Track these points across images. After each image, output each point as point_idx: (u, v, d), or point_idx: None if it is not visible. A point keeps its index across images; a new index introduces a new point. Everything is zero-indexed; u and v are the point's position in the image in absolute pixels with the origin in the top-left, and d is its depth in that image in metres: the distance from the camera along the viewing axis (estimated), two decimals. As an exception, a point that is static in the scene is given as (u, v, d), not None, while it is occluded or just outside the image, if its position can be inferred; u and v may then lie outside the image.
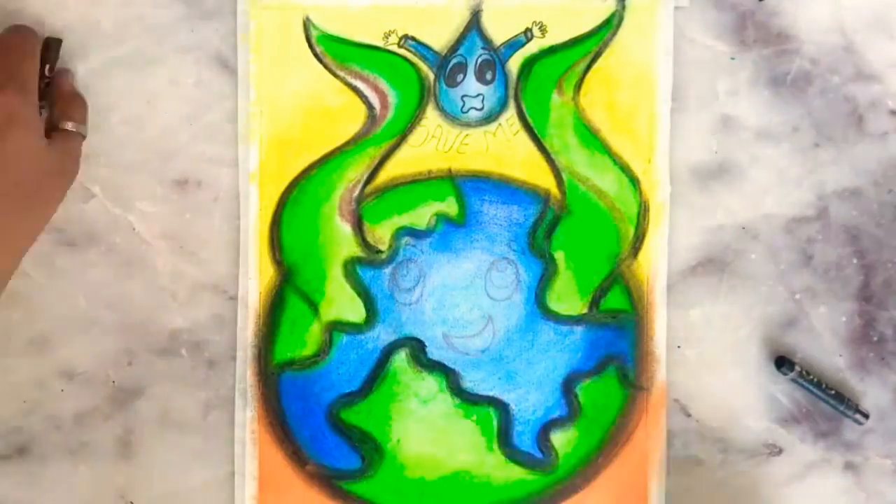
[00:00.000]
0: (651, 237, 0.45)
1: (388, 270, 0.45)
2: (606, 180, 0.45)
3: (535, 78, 0.45)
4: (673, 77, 0.45)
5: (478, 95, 0.45)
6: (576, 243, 0.45)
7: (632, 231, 0.45)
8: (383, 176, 0.45)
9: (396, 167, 0.45)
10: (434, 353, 0.45)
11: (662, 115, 0.45)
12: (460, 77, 0.45)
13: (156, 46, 0.44)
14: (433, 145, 0.45)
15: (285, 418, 0.45)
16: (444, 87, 0.45)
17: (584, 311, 0.45)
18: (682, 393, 0.46)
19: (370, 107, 0.45)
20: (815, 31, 0.45)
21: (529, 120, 0.45)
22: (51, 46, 0.43)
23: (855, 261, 0.46)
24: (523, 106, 0.45)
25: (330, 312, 0.45)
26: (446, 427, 0.45)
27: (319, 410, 0.45)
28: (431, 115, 0.45)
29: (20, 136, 0.39)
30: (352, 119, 0.45)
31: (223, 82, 0.45)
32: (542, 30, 0.45)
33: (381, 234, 0.45)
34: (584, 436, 0.45)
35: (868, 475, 0.46)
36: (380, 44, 0.45)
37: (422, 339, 0.45)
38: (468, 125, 0.45)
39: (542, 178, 0.45)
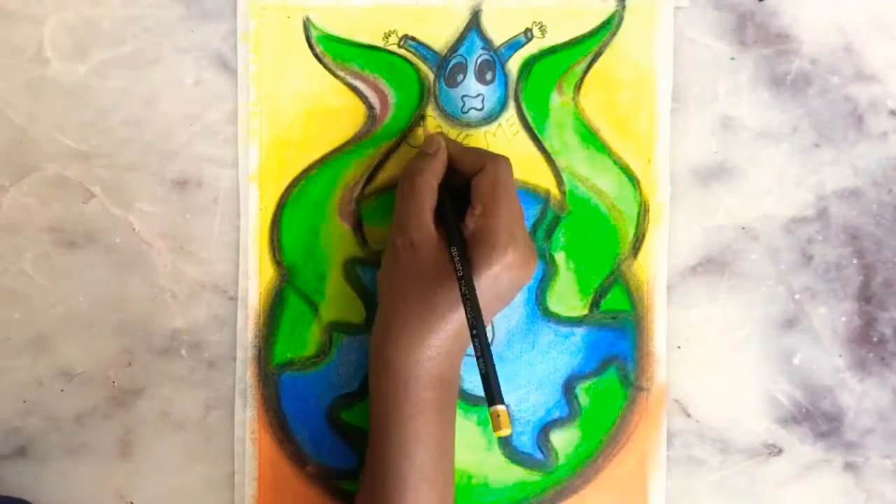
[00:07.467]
0: (651, 237, 0.45)
1: (388, 270, 0.45)
2: (606, 180, 0.45)
3: (535, 78, 0.45)
4: (673, 77, 0.45)
5: (478, 96, 0.45)
6: (576, 244, 0.45)
7: (632, 231, 0.45)
8: (383, 176, 0.45)
9: (396, 167, 0.45)
10: (434, 353, 0.45)
11: (662, 115, 0.45)
12: (460, 77, 0.45)
13: (156, 46, 0.44)
14: (433, 145, 0.45)
15: (285, 418, 0.45)
16: (444, 87, 0.45)
17: (585, 312, 0.45)
18: (682, 393, 0.46)
19: (370, 107, 0.45)
20: (815, 31, 0.45)
21: (529, 120, 0.45)
22: None
23: (855, 261, 0.46)
24: (523, 106, 0.45)
25: (330, 313, 0.45)
26: (446, 427, 0.45)
27: (319, 410, 0.45)
28: (431, 115, 0.45)
29: None
30: (352, 119, 0.45)
31: (223, 82, 0.44)
32: (542, 30, 0.45)
33: (381, 234, 0.45)
34: (584, 436, 0.45)
35: (868, 475, 0.46)
36: (380, 44, 0.45)
37: (422, 339, 0.45)
38: (468, 125, 0.45)
39: (542, 179, 0.45)
